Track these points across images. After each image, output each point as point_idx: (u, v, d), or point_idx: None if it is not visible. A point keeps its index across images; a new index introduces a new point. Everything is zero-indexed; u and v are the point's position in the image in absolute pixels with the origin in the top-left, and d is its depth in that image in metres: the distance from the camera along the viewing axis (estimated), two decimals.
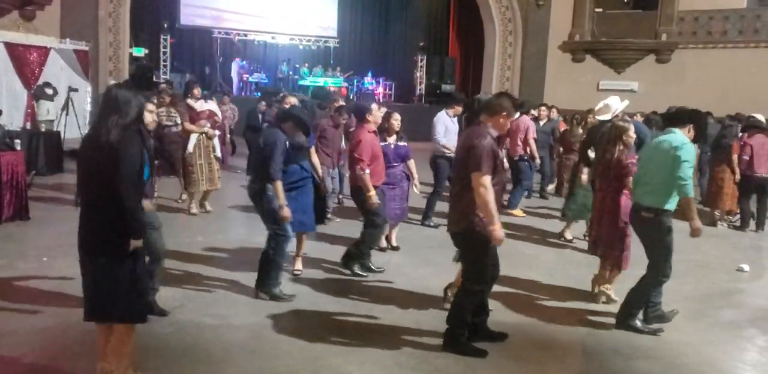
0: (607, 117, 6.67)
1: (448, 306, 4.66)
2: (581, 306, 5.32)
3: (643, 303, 4.78)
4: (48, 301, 4.86)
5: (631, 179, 5.15)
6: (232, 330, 4.44)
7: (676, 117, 4.94)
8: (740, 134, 9.03)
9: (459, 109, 7.81)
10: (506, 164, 7.66)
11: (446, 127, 7.70)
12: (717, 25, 17.64)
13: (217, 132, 8.26)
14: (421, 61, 22.03)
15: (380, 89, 21.46)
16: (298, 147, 5.57)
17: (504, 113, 4.09)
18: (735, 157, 8.59)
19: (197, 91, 8.23)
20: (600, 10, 18.90)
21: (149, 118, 4.44)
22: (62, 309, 4.67)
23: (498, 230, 3.92)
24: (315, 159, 5.98)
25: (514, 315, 5.00)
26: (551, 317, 5.02)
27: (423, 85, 21.87)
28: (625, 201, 5.25)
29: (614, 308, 5.25)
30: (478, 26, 20.68)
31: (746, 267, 6.64)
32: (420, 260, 6.51)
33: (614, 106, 6.74)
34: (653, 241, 4.70)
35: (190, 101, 8.11)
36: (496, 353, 4.25)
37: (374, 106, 6.02)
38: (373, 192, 5.64)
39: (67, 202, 8.57)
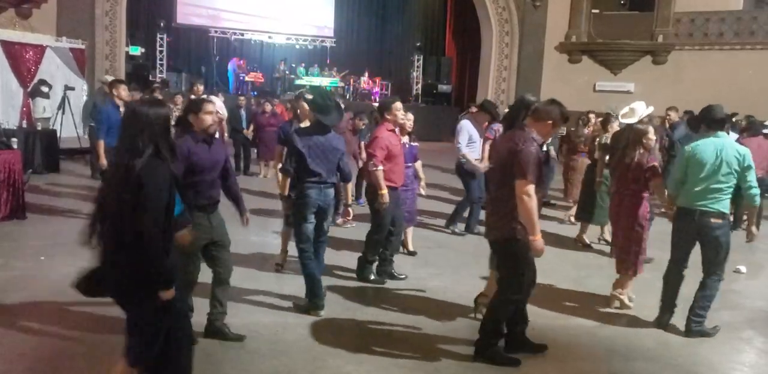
0: (633, 121, 6.69)
1: (480, 316, 4.60)
2: (579, 306, 5.32)
3: (709, 307, 4.76)
4: (46, 300, 4.84)
5: (658, 182, 5.12)
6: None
7: (717, 121, 4.82)
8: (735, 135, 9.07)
9: (486, 118, 7.63)
10: None
11: (470, 135, 7.42)
12: (713, 26, 17.70)
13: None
14: (417, 61, 22.06)
15: (377, 89, 21.46)
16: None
17: (550, 121, 3.94)
18: None
19: (198, 88, 8.11)
20: (596, 11, 18.94)
21: (209, 120, 4.02)
22: (60, 308, 4.65)
23: (539, 241, 3.79)
24: None
25: None
26: (549, 317, 5.02)
27: (419, 85, 21.91)
28: (644, 205, 5.22)
29: (611, 307, 5.29)
30: (474, 27, 20.71)
31: (743, 269, 6.66)
32: (417, 260, 6.51)
33: (640, 110, 6.76)
34: (720, 244, 4.67)
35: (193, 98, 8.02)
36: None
37: (396, 104, 5.76)
38: (385, 191, 5.38)
39: (64, 201, 8.56)
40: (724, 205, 4.65)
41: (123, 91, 7.25)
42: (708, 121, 4.89)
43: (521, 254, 3.89)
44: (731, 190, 4.63)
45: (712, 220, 4.64)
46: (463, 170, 7.55)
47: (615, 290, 5.33)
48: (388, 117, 5.65)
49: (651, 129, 5.37)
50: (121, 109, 8.45)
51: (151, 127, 2.84)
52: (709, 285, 4.75)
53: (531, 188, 3.75)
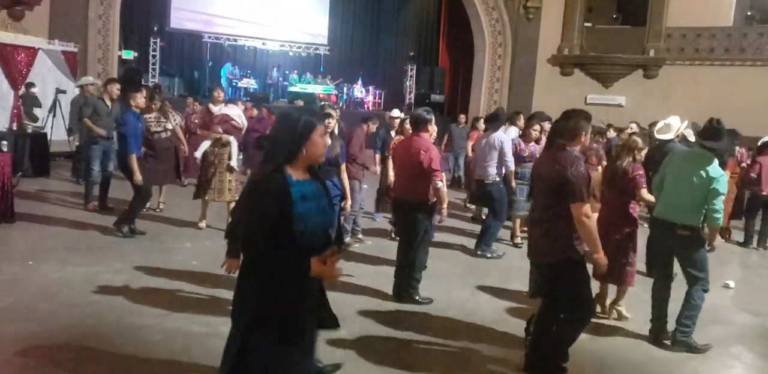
0: (669, 136, 6.66)
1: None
2: None
3: (695, 318, 4.75)
4: (34, 305, 4.79)
5: (643, 191, 5.10)
6: (220, 339, 4.33)
7: (709, 136, 4.72)
8: (739, 151, 9.12)
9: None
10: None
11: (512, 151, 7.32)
12: (704, 42, 17.89)
13: (231, 137, 7.55)
14: (411, 71, 22.11)
15: (370, 98, 21.50)
16: (334, 163, 5.41)
17: (583, 133, 3.91)
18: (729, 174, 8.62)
19: (217, 94, 7.96)
20: (589, 24, 19.06)
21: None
22: (48, 314, 4.61)
23: (603, 257, 3.84)
24: (344, 175, 5.80)
25: (504, 328, 5.00)
26: None
27: (412, 95, 21.94)
28: (632, 215, 5.20)
29: (609, 319, 5.29)
30: (468, 38, 20.79)
31: (732, 284, 6.69)
32: None
33: (675, 125, 6.72)
34: (692, 256, 4.71)
35: (210, 105, 7.93)
36: (483, 368, 4.24)
37: (433, 118, 5.61)
38: (446, 205, 5.38)
39: (53, 205, 8.49)
40: (694, 219, 4.63)
41: (141, 99, 7.18)
42: (703, 134, 4.83)
43: (581, 274, 3.87)
44: (701, 207, 4.59)
45: (679, 231, 4.67)
46: (495, 188, 7.28)
47: (615, 303, 5.32)
48: (430, 129, 5.50)
49: (645, 146, 5.41)
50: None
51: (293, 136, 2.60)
52: (692, 296, 4.75)
53: (588, 209, 3.75)
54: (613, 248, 5.19)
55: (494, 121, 7.60)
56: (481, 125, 10.10)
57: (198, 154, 7.52)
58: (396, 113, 9.03)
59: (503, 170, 7.27)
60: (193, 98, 11.21)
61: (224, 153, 7.45)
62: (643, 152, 5.40)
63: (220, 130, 7.45)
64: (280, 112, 2.79)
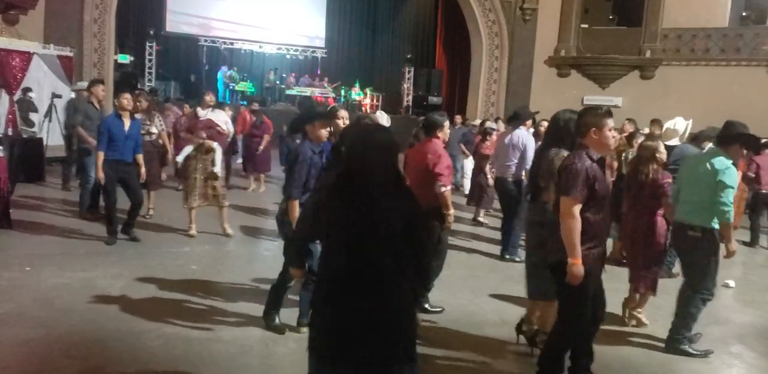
0: (675, 142, 6.60)
1: (535, 347, 4.39)
2: None
3: (691, 324, 4.66)
4: (33, 311, 4.77)
5: (666, 200, 5.04)
6: (221, 344, 4.37)
7: (720, 136, 4.68)
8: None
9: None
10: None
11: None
12: (700, 42, 17.93)
13: (215, 144, 7.40)
14: (408, 73, 22.12)
15: (367, 100, 21.50)
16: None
17: (593, 129, 3.58)
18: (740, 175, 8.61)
19: (209, 98, 7.77)
20: (585, 25, 19.10)
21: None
22: (47, 320, 4.59)
23: (577, 266, 3.47)
24: None
25: (504, 331, 4.98)
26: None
27: (410, 97, 21.96)
28: (661, 222, 5.15)
29: (628, 326, 5.27)
30: (465, 40, 20.82)
31: (732, 283, 6.67)
32: None
33: (681, 129, 6.64)
34: (699, 260, 4.59)
35: (198, 109, 7.79)
36: (484, 368, 4.22)
37: (447, 122, 5.46)
38: (452, 211, 5.21)
39: (49, 210, 8.46)
40: (704, 219, 4.53)
41: (124, 100, 6.95)
42: (718, 135, 4.79)
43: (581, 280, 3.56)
44: (711, 205, 4.49)
45: (689, 232, 4.59)
46: (514, 187, 7.18)
47: (634, 309, 5.24)
48: (440, 135, 5.37)
49: (661, 145, 5.31)
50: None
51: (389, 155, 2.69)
52: (690, 303, 4.62)
53: (576, 208, 3.50)
54: (644, 256, 5.16)
55: (515, 119, 7.54)
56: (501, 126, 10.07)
57: (180, 158, 7.41)
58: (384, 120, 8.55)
59: (523, 170, 7.10)
60: (189, 103, 11.04)
61: (208, 160, 7.33)
62: (662, 149, 5.23)
63: (204, 135, 7.34)
64: (363, 141, 2.73)
